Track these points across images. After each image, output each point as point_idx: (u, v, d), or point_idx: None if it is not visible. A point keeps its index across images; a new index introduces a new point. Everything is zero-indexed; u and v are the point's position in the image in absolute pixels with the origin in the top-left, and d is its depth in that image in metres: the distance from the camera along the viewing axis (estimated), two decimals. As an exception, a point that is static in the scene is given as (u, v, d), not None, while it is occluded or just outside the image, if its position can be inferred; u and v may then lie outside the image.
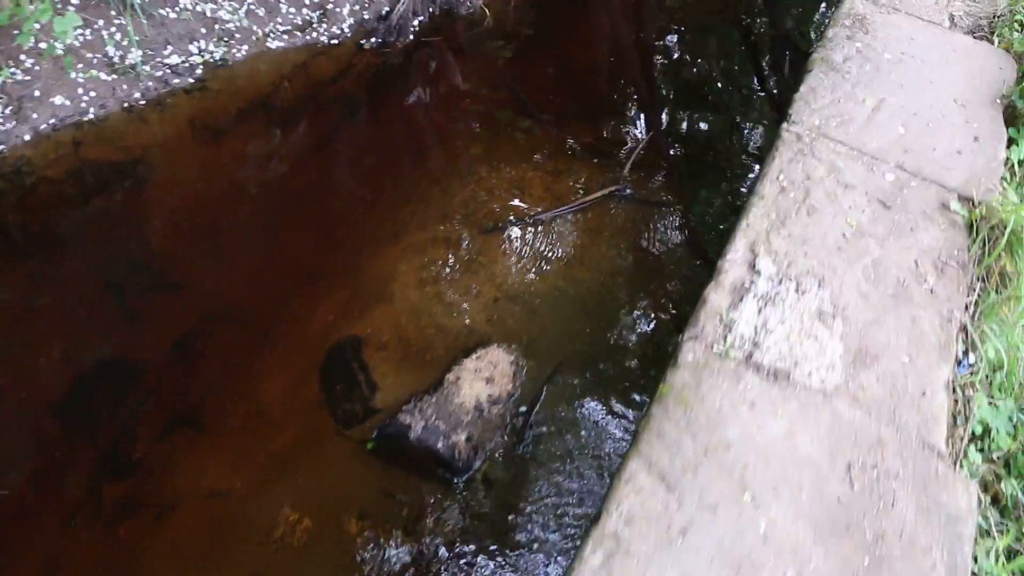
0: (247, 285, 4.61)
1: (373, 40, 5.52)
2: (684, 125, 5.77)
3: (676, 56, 6.37)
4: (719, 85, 6.12)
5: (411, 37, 5.65)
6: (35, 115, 4.81)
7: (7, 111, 4.73)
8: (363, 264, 4.67)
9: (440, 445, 3.87)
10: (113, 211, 4.79)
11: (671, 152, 5.47)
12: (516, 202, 4.94)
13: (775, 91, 6.06)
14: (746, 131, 5.74)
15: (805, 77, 4.17)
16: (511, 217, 4.86)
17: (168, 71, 5.06)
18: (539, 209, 4.89)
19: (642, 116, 5.74)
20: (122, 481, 3.95)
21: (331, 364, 4.29)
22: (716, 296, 3.19)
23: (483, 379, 4.09)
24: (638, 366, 4.29)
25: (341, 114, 5.32)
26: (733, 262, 3.29)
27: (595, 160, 5.20)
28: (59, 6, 4.87)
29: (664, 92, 5.99)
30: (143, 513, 3.87)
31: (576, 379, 4.23)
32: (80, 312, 4.46)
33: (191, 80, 5.12)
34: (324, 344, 4.38)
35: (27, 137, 4.80)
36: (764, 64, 6.42)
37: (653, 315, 4.48)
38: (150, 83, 5.01)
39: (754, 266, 3.25)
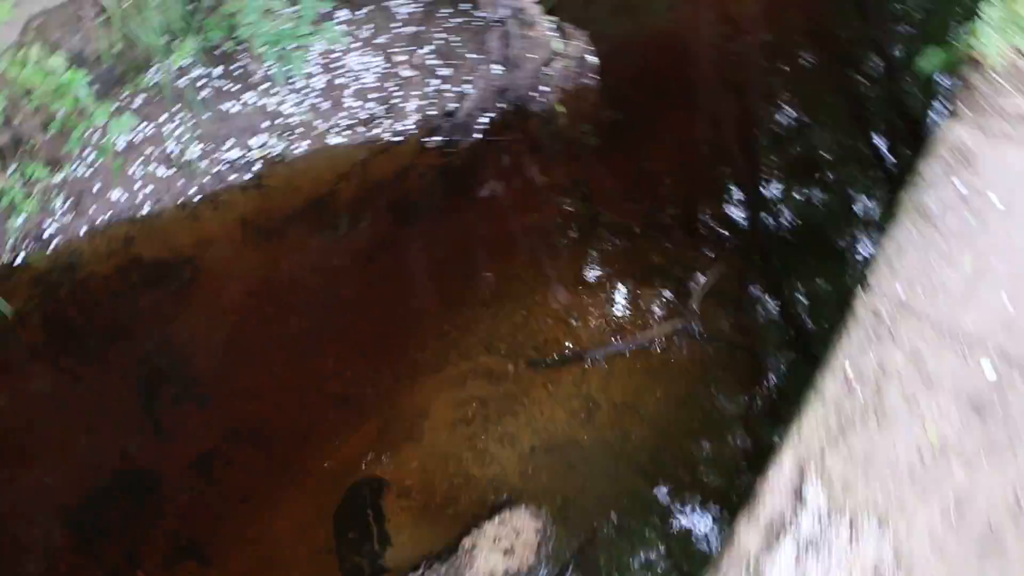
0: (277, 403, 4.27)
1: (437, 138, 5.12)
2: (782, 225, 5.03)
3: (776, 144, 5.64)
4: (828, 173, 5.38)
5: (477, 136, 5.22)
6: (93, 209, 4.62)
7: (67, 205, 4.56)
8: (398, 393, 4.25)
9: (443, 627, 3.41)
10: (156, 311, 4.54)
11: (760, 272, 4.81)
12: (569, 333, 4.42)
13: (893, 171, 5.26)
14: (859, 233, 4.98)
15: (890, 228, 3.48)
16: (561, 351, 4.35)
17: (226, 167, 4.80)
18: (593, 343, 4.37)
19: (730, 226, 5.10)
20: (116, 615, 3.67)
21: (348, 507, 3.88)
22: (747, 533, 2.59)
23: (501, 550, 3.59)
24: (685, 547, 3.70)
25: (397, 219, 4.93)
26: (775, 487, 2.68)
27: (665, 285, 4.62)
28: (122, 102, 4.68)
29: (761, 191, 5.35)
30: (130, 660, 3.57)
31: (610, 556, 3.68)
32: (108, 416, 4.22)
33: (248, 176, 4.85)
34: (344, 481, 3.97)
35: (83, 232, 4.62)
36: (881, 144, 5.62)
37: (712, 482, 3.87)
38: (206, 179, 4.76)
39: (800, 494, 2.64)
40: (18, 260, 4.44)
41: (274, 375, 4.36)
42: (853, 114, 5.79)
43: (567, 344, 4.37)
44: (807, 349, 4.24)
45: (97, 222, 4.60)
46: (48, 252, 4.52)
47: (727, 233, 4.91)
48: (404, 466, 4.00)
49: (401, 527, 3.81)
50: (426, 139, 5.11)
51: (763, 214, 5.06)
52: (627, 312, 4.50)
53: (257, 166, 4.85)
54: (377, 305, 4.61)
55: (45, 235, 4.49)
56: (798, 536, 2.55)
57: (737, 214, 5.02)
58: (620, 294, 4.58)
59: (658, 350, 4.33)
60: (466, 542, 3.62)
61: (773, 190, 5.23)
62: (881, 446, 2.76)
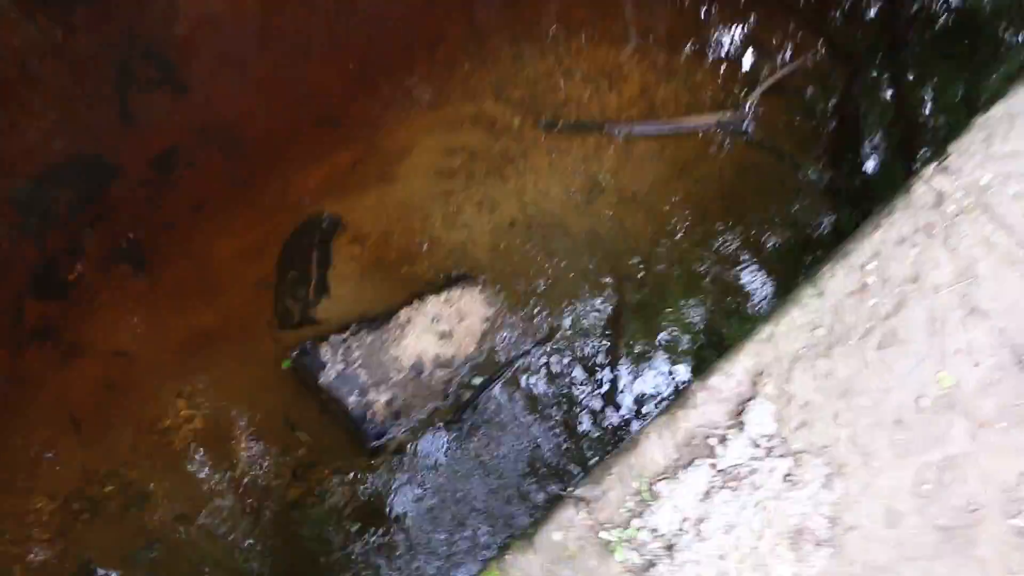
0: (255, 107, 3.57)
1: None
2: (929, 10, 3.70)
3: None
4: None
5: None
6: None
7: None
8: (384, 123, 3.49)
9: (351, 400, 2.91)
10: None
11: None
12: (598, 97, 3.49)
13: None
14: None
15: (1006, 90, 2.35)
16: (580, 115, 3.45)
17: None
18: (622, 116, 3.44)
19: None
20: (49, 301, 3.30)
21: (297, 241, 3.30)
22: (655, 444, 1.89)
23: (437, 333, 3.00)
24: (640, 384, 3.01)
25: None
26: (714, 391, 1.92)
27: (728, 65, 3.56)
28: None
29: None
30: (53, 346, 3.23)
31: (564, 363, 3.04)
32: (77, 88, 3.61)
33: None
34: (302, 211, 3.37)
35: None
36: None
37: (699, 319, 3.09)
38: None
39: (742, 410, 1.89)
40: None
41: (260, 76, 3.63)
42: None
43: (591, 112, 3.46)
44: (879, 192, 3.22)
45: None
46: None
47: (838, 12, 3.69)
48: (368, 209, 3.35)
49: (345, 278, 3.23)
50: None
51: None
52: (671, 88, 3.49)
53: None
54: (392, 14, 3.71)
55: None
56: (718, 463, 1.84)
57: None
58: (670, 64, 3.54)
59: (691, 142, 3.39)
60: (402, 314, 3.03)
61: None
62: (872, 376, 1.94)
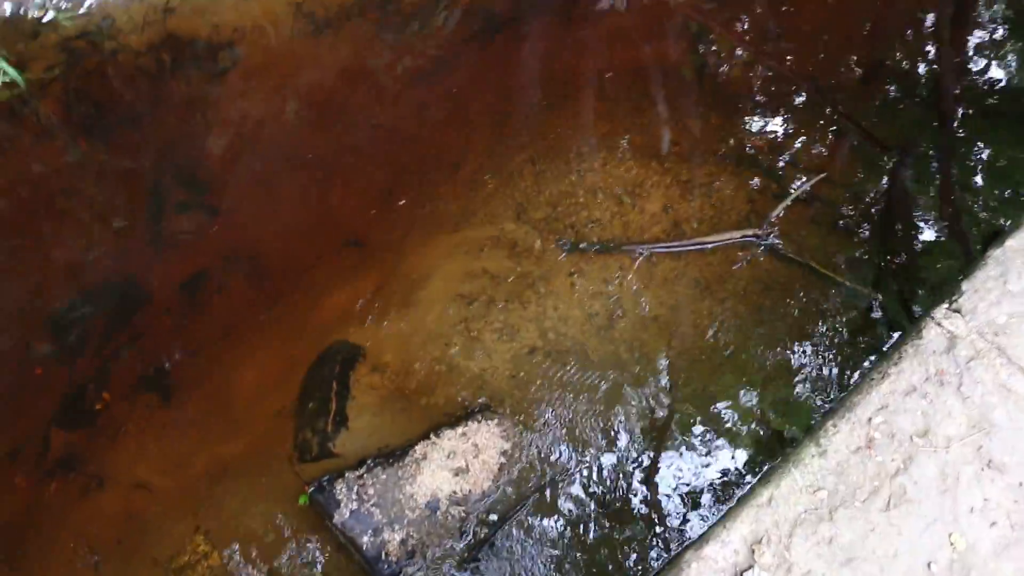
0: (284, 230, 3.65)
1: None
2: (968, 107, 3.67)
3: None
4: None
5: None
6: (136, -33, 3.93)
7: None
8: (408, 247, 3.52)
9: (365, 540, 2.87)
10: (183, 101, 3.91)
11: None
12: (621, 215, 3.47)
13: None
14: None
15: (1019, 227, 2.26)
16: (604, 236, 3.44)
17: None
18: (644, 235, 3.42)
19: (876, 107, 3.81)
20: (74, 431, 3.36)
21: (318, 370, 3.32)
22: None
23: (453, 468, 2.95)
24: (679, 508, 2.90)
25: (472, 32, 3.96)
26: (709, 561, 1.84)
27: (754, 176, 3.54)
28: None
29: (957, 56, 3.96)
30: (76, 479, 3.27)
31: (583, 499, 2.96)
32: (112, 212, 3.76)
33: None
34: (325, 338, 3.39)
35: (122, -6, 3.97)
36: None
37: (741, 435, 2.99)
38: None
39: (740, 588, 1.79)
40: (47, 17, 3.86)
41: (290, 198, 3.72)
42: None
43: (612, 231, 3.45)
44: (924, 303, 3.08)
45: (138, -16, 3.92)
46: (80, 12, 3.91)
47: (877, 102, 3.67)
48: (388, 336, 3.35)
49: (363, 409, 3.22)
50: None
51: (942, 91, 3.73)
52: (695, 203, 3.47)
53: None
54: (419, 134, 3.79)
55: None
56: (714, 649, 1.74)
57: (900, 89, 3.71)
58: (695, 178, 3.52)
59: (715, 259, 3.34)
60: (418, 449, 3.00)
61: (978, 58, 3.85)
62: (879, 540, 1.82)
